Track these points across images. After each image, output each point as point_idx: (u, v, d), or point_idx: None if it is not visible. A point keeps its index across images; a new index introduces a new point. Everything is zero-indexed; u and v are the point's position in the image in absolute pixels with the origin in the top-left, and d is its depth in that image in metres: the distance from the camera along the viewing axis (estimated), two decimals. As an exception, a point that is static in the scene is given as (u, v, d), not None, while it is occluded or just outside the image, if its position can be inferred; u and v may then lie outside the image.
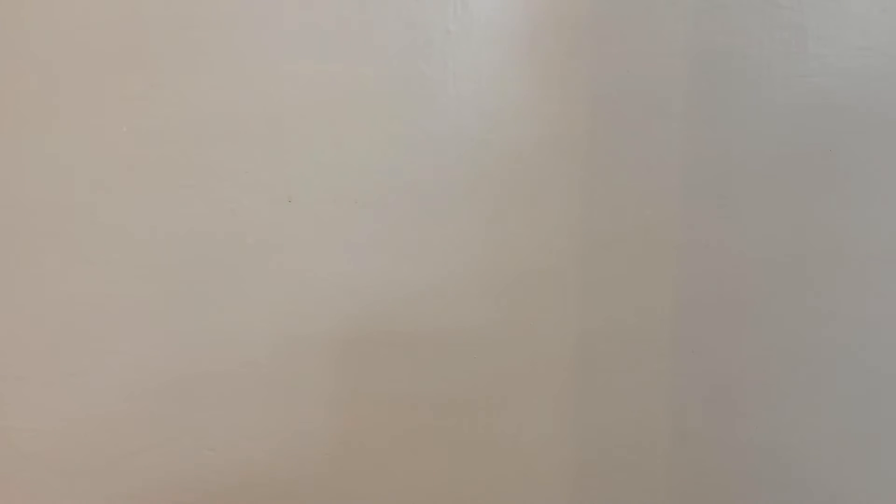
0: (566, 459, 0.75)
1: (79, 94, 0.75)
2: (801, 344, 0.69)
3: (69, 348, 0.80)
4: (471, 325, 0.73)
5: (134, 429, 0.80)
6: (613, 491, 0.74)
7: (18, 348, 0.81)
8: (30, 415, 0.82)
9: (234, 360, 0.77)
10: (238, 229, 0.75)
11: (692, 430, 0.72)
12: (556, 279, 0.71)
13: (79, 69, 0.74)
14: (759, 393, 0.71)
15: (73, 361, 0.80)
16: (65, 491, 0.83)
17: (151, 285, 0.77)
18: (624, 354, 0.72)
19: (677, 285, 0.70)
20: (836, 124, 0.66)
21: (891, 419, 0.70)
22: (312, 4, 0.71)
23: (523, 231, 0.71)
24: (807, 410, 0.70)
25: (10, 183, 0.78)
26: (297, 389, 0.77)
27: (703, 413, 0.72)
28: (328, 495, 0.79)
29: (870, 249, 0.67)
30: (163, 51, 0.73)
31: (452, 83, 0.70)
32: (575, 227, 0.70)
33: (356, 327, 0.75)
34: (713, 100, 0.67)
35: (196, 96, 0.73)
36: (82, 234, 0.77)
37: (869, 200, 0.66)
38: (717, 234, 0.69)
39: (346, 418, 0.77)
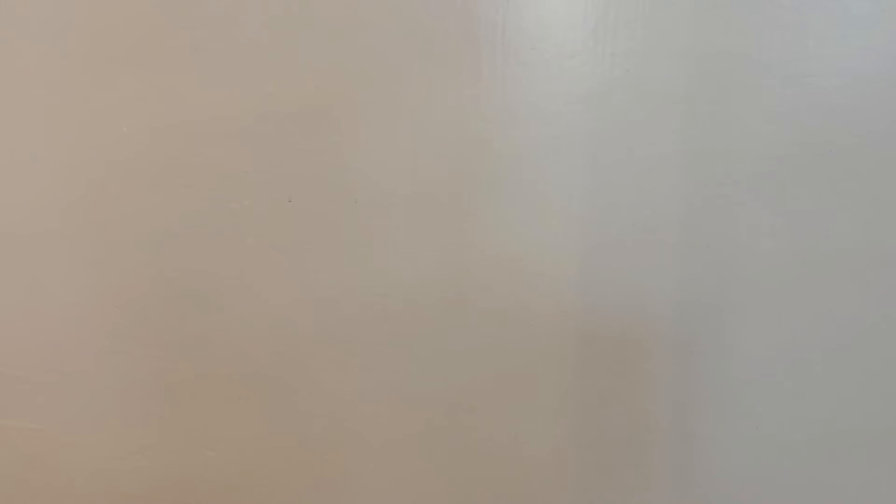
0: (566, 460, 0.75)
1: (79, 94, 0.75)
2: (801, 344, 0.69)
3: (69, 348, 0.80)
4: (470, 325, 0.73)
5: (134, 429, 0.80)
6: (613, 492, 0.74)
7: (18, 348, 0.81)
8: (30, 415, 0.82)
9: (234, 359, 0.77)
10: (238, 229, 0.75)
11: (692, 430, 0.72)
12: (555, 279, 0.71)
13: (78, 69, 0.74)
14: (759, 393, 0.71)
15: (73, 361, 0.80)
16: (65, 491, 0.83)
17: (151, 285, 0.77)
18: (624, 354, 0.72)
19: (677, 285, 0.70)
20: (836, 124, 0.66)
21: (891, 419, 0.70)
22: (312, 4, 0.71)
23: (523, 231, 0.71)
24: (807, 410, 0.70)
25: (10, 183, 0.78)
26: (297, 389, 0.77)
27: (703, 413, 0.72)
28: (328, 495, 0.79)
29: (870, 249, 0.67)
30: (162, 50, 0.73)
31: (452, 83, 0.70)
32: (575, 227, 0.70)
33: (356, 327, 0.75)
34: (713, 100, 0.67)
35: (196, 96, 0.73)
36: (82, 233, 0.77)
37: (869, 200, 0.66)
38: (718, 234, 0.69)
39: (347, 418, 0.77)
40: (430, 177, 0.71)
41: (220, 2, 0.72)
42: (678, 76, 0.67)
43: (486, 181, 0.71)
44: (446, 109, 0.70)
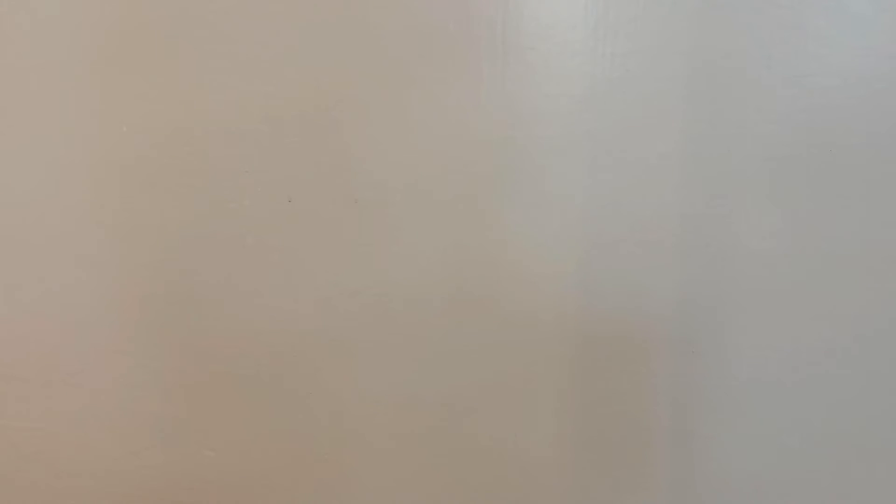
0: (566, 460, 0.75)
1: (78, 95, 0.75)
2: (801, 344, 0.69)
3: (69, 348, 0.80)
4: (470, 326, 0.73)
5: (134, 429, 0.80)
6: (613, 492, 0.74)
7: (18, 348, 0.81)
8: (30, 415, 0.82)
9: (234, 360, 0.77)
10: (238, 229, 0.75)
11: (692, 430, 0.72)
12: (555, 279, 0.71)
13: (78, 70, 0.74)
14: (759, 393, 0.71)
15: (73, 361, 0.80)
16: (65, 491, 0.83)
17: (151, 285, 0.77)
18: (624, 354, 0.72)
19: (677, 285, 0.70)
20: (836, 124, 0.66)
21: (891, 420, 0.70)
22: (312, 4, 0.71)
23: (523, 231, 0.71)
24: (807, 410, 0.70)
25: (10, 182, 0.78)
26: (297, 389, 0.77)
27: (703, 413, 0.72)
28: (328, 495, 0.79)
29: (870, 249, 0.67)
30: (163, 51, 0.73)
31: (452, 83, 0.70)
32: (575, 227, 0.70)
33: (356, 327, 0.75)
34: (713, 100, 0.67)
35: (196, 96, 0.73)
36: (82, 233, 0.77)
37: (869, 200, 0.66)
38: (717, 234, 0.69)
39: (346, 418, 0.77)
40: (430, 177, 0.71)
41: (220, 3, 0.72)
42: (678, 76, 0.67)
43: (486, 181, 0.71)
44: (446, 109, 0.70)
